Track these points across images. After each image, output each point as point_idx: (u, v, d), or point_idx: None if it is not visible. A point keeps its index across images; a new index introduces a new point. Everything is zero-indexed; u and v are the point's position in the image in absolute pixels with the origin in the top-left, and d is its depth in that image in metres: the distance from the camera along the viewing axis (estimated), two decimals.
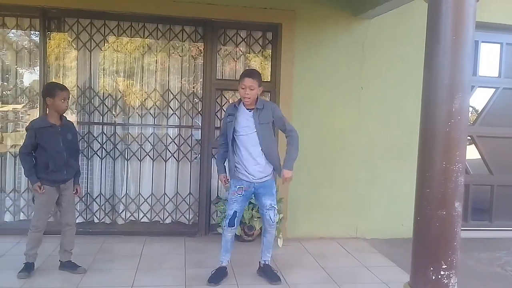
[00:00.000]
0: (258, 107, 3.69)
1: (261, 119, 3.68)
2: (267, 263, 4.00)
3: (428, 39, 2.97)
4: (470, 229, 5.58)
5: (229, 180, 3.87)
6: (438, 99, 2.83)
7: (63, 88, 3.82)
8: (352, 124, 5.29)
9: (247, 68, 5.24)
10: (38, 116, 4.06)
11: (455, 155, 2.80)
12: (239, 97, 3.79)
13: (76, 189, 3.95)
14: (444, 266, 2.80)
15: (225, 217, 3.88)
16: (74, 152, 3.93)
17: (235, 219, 3.77)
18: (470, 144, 5.76)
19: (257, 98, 3.74)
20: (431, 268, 2.82)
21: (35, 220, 3.79)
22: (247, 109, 3.72)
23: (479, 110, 5.94)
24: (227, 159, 3.85)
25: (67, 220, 3.89)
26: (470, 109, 5.99)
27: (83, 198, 5.09)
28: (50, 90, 3.76)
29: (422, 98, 2.98)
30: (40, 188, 3.68)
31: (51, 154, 3.69)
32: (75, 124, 5.05)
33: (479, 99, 5.92)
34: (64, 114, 3.88)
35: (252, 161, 3.70)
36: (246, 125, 3.69)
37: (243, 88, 3.64)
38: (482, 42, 5.72)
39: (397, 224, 5.19)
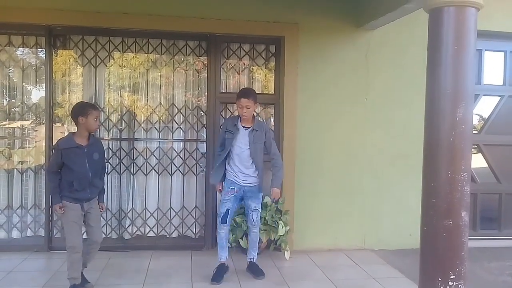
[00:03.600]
0: (255, 128, 4.22)
1: (255, 139, 4.20)
2: (253, 260, 4.40)
3: (430, 49, 2.99)
4: (479, 239, 5.52)
5: (223, 188, 4.34)
6: (441, 108, 2.84)
7: (95, 107, 3.86)
8: (358, 134, 5.29)
9: (248, 83, 5.36)
10: (65, 135, 3.99)
11: (460, 164, 2.80)
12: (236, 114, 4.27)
13: (101, 206, 3.94)
14: (452, 277, 2.78)
15: (217, 215, 4.37)
16: (99, 170, 3.88)
17: (228, 217, 4.20)
18: (476, 152, 5.73)
19: (254, 117, 4.30)
20: (439, 279, 2.81)
21: (69, 241, 3.68)
22: (244, 127, 4.22)
23: (485, 119, 5.91)
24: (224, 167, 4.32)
25: (96, 238, 3.84)
26: (476, 117, 5.97)
27: None
28: (83, 110, 3.72)
29: (426, 108, 2.98)
30: (60, 209, 3.64)
31: (77, 174, 3.66)
32: None
33: (485, 107, 5.89)
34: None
35: (244, 170, 4.22)
36: (243, 142, 4.20)
37: (240, 108, 4.15)
38: (486, 50, 5.71)
39: (405, 234, 5.15)
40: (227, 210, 4.19)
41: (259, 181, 4.25)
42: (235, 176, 4.23)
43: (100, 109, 3.90)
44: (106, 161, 5.02)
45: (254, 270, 4.33)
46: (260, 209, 4.36)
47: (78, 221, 3.73)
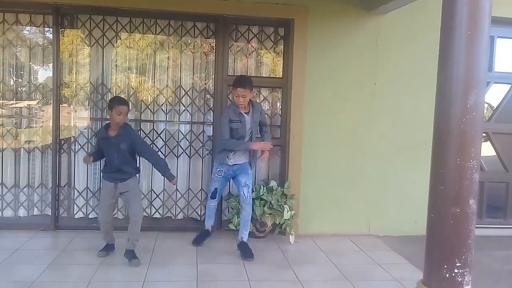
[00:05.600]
0: (253, 112, 4.46)
1: (254, 119, 4.47)
2: (243, 240, 4.43)
3: (443, 35, 2.92)
4: (485, 227, 5.50)
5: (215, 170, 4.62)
6: (452, 95, 2.79)
7: (122, 102, 4.05)
8: (365, 120, 5.25)
9: (256, 66, 5.33)
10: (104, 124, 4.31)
11: (469, 152, 2.76)
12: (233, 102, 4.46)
13: (174, 182, 4.29)
14: (458, 264, 2.77)
15: (209, 190, 4.76)
16: (129, 158, 4.13)
17: (217, 193, 4.63)
18: (485, 140, 5.68)
19: (249, 101, 4.44)
20: (445, 266, 2.79)
21: (98, 211, 4.50)
22: (244, 112, 4.40)
23: (495, 107, 5.85)
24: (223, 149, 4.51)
25: (129, 210, 4.20)
26: (486, 105, 5.89)
27: (96, 194, 5.12)
28: (110, 103, 4.06)
29: (437, 94, 2.93)
30: (88, 158, 4.24)
31: (107, 159, 4.15)
32: (87, 121, 5.12)
33: (495, 95, 5.82)
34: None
35: (240, 152, 4.47)
36: (248, 126, 4.43)
37: (237, 97, 4.30)
38: (498, 37, 5.61)
39: (411, 221, 5.14)
40: (216, 188, 4.59)
41: (248, 159, 4.54)
42: (227, 158, 4.44)
43: (128, 106, 4.11)
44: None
45: (244, 251, 4.35)
46: (250, 185, 4.50)
47: (107, 199, 4.16)
